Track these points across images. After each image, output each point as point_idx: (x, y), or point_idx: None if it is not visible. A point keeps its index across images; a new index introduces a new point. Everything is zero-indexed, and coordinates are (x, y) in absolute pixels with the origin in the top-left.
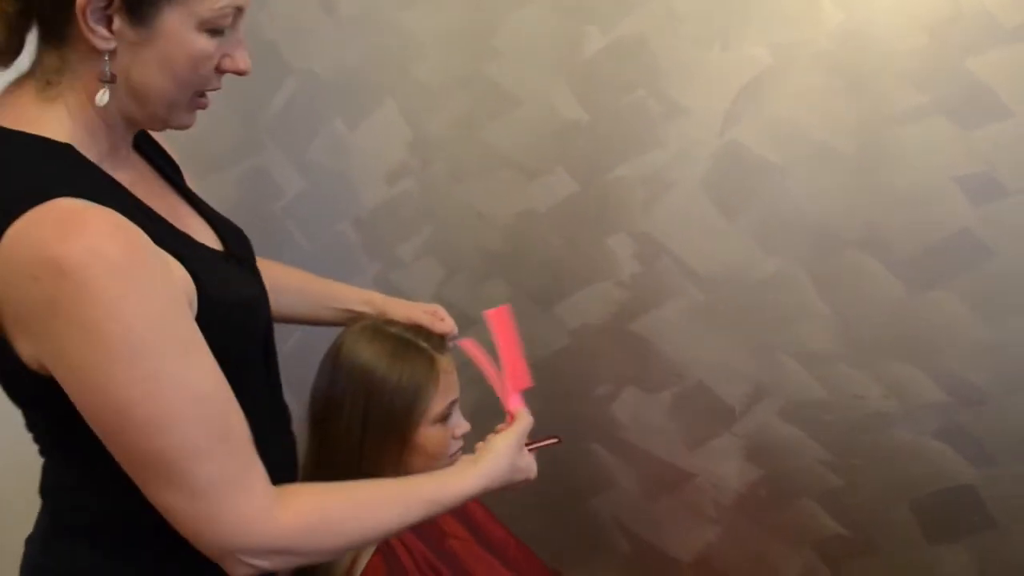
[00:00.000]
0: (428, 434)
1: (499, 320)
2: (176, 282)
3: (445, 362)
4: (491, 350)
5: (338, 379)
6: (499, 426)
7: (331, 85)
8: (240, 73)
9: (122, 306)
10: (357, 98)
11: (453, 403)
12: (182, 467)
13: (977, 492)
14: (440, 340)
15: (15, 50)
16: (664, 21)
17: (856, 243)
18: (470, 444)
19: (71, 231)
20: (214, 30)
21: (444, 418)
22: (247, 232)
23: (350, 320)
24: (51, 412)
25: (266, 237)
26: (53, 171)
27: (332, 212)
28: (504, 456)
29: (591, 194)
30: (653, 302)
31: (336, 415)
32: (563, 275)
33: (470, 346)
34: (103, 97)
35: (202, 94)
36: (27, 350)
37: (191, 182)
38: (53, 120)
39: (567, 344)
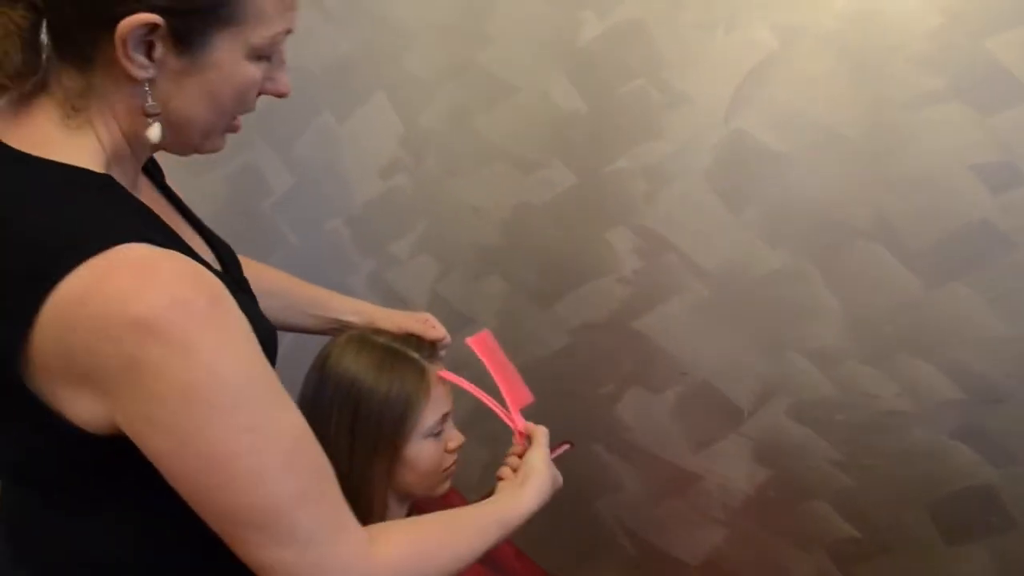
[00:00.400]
0: (419, 448)
1: (483, 345)
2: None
3: (436, 370)
4: (480, 378)
5: (324, 391)
6: (514, 449)
7: (319, 78)
8: (281, 95)
9: (217, 359)
10: (346, 91)
11: (446, 416)
12: (289, 517)
13: (996, 492)
14: (432, 349)
15: (34, 68)
16: (664, 5)
17: (868, 235)
18: (468, 455)
19: (149, 284)
20: (262, 56)
21: (436, 432)
22: (238, 233)
23: (338, 330)
24: (99, 470)
25: (256, 236)
26: (105, 209)
27: (323, 209)
28: (545, 471)
29: (590, 187)
30: (656, 298)
31: (323, 428)
32: (562, 271)
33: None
34: (155, 132)
35: (236, 117)
36: (90, 410)
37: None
38: (85, 149)
39: (568, 343)
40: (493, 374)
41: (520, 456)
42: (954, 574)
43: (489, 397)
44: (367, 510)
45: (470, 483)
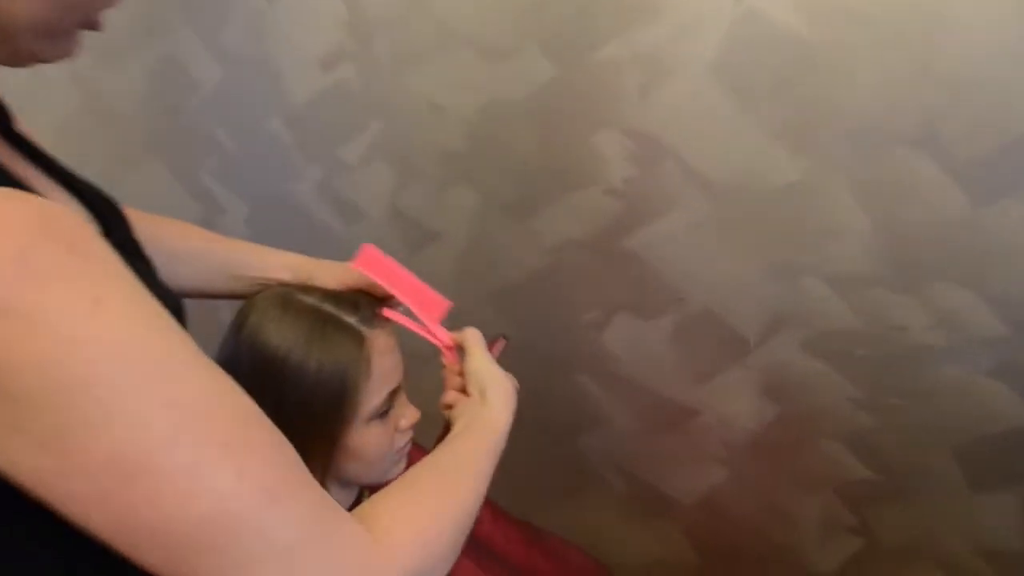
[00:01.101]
0: (363, 434)
1: (370, 262)
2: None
3: (381, 340)
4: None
5: (241, 367)
6: (449, 367)
7: None
8: None
9: (94, 323)
10: None
11: (395, 392)
12: (255, 523)
13: None
14: (372, 310)
15: None
16: None
17: (909, 141)
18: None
19: None
20: None
21: (383, 412)
22: (164, 137)
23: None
24: None
25: (185, 139)
26: None
27: (258, 107)
28: (498, 373)
29: (573, 80)
30: (651, 213)
31: None
32: (540, 181)
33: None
34: None
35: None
36: None
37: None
38: None
39: (547, 263)
40: (393, 291)
41: (460, 374)
42: (978, 522)
43: (407, 319)
44: None
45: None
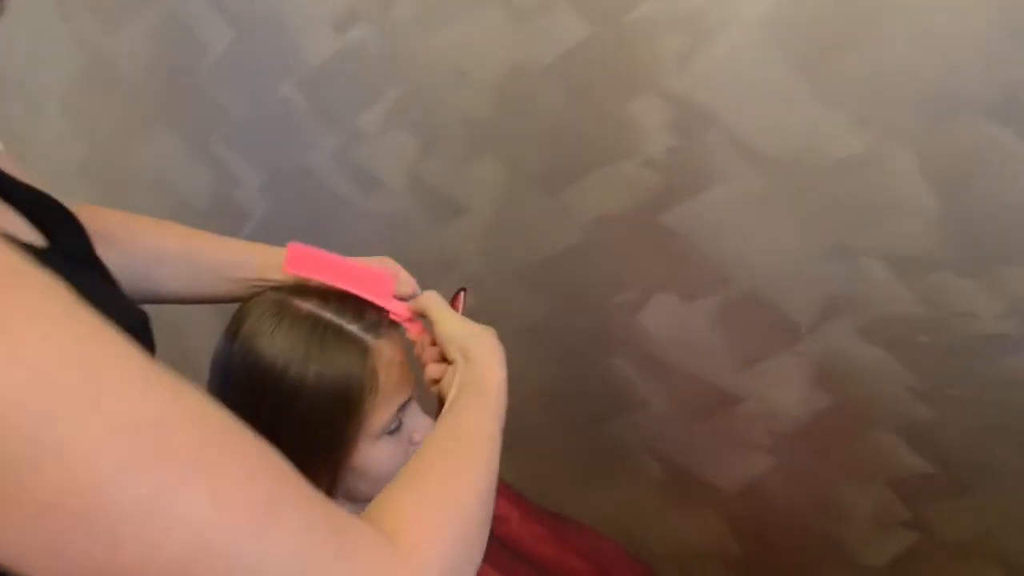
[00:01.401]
0: (370, 453)
1: (301, 261)
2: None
3: (388, 350)
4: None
5: (236, 379)
6: (421, 341)
7: None
8: None
9: (11, 349)
10: None
11: (405, 405)
12: (250, 550)
13: None
14: (380, 316)
15: None
16: None
17: (985, 110)
18: None
19: None
20: None
21: (393, 429)
22: (173, 104)
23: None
24: None
25: (195, 107)
26: None
27: (270, 71)
28: (475, 329)
29: (608, 40)
30: (693, 187)
31: None
32: (573, 151)
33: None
34: None
35: None
36: None
37: None
38: None
39: (579, 240)
40: (335, 284)
41: (433, 343)
42: None
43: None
44: None
45: None
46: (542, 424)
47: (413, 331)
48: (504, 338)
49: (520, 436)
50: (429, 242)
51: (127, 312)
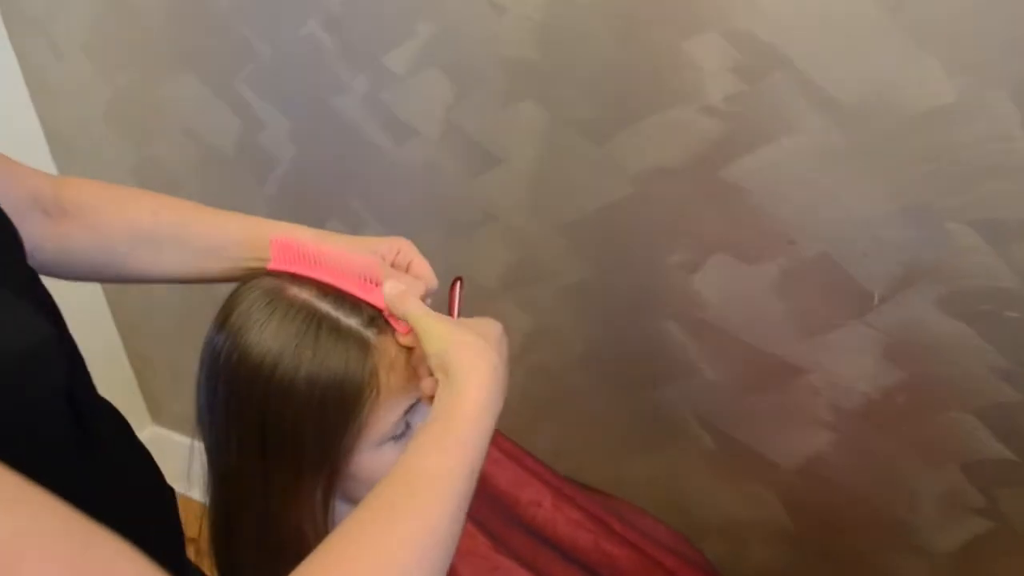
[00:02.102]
0: (373, 459)
1: (286, 255)
2: None
3: (393, 347)
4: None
5: (222, 374)
6: (406, 341)
7: None
8: None
9: None
10: None
11: (411, 409)
12: None
13: None
14: (373, 309)
15: None
16: None
17: None
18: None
19: None
20: None
21: (398, 434)
22: (192, 44)
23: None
24: None
25: (217, 46)
26: None
27: (293, 7)
28: (456, 340)
29: None
30: (758, 138)
31: (222, 438)
32: (623, 96)
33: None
34: None
35: None
36: None
37: None
38: None
39: (629, 194)
40: (324, 279)
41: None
42: None
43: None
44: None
45: (509, 353)
46: (583, 390)
47: (403, 332)
48: (545, 299)
49: (559, 402)
50: (465, 194)
51: (23, 332)
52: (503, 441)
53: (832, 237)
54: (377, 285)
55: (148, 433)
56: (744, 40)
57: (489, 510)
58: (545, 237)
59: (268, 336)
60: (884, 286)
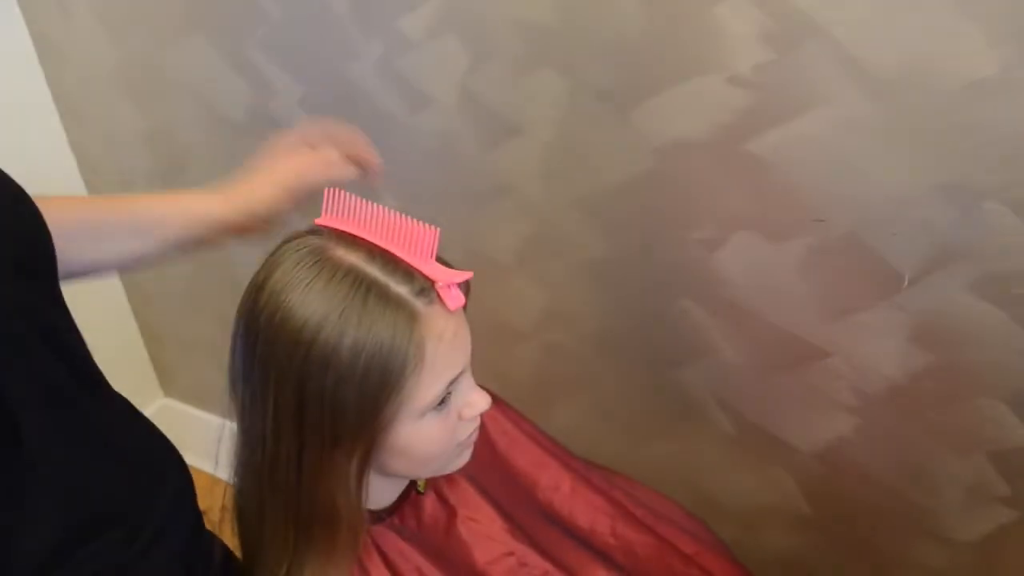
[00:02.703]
0: (413, 431)
1: (337, 208)
2: None
3: (441, 320)
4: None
5: (260, 339)
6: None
7: None
8: None
9: None
10: None
11: (456, 380)
12: None
13: None
14: (425, 279)
15: None
16: None
17: None
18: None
19: None
20: None
21: (440, 403)
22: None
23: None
24: None
25: (231, 10)
26: None
27: None
28: None
29: None
30: (788, 110)
31: (258, 402)
32: (645, 64)
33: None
34: None
35: None
36: None
37: None
38: None
39: (650, 167)
40: (371, 239)
41: None
42: None
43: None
44: (331, 535)
45: (524, 330)
46: (600, 368)
47: (450, 303)
48: (562, 274)
49: (575, 381)
50: (481, 165)
51: None
52: (521, 421)
53: (862, 215)
54: (432, 256)
55: (159, 405)
56: (777, 6)
57: (508, 492)
58: (563, 210)
59: (313, 298)
60: (914, 267)
